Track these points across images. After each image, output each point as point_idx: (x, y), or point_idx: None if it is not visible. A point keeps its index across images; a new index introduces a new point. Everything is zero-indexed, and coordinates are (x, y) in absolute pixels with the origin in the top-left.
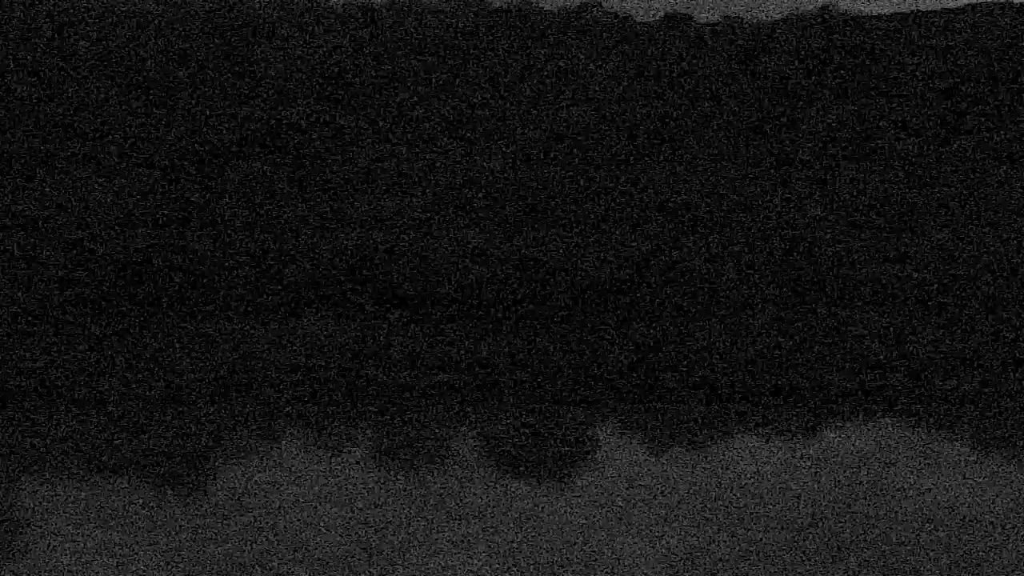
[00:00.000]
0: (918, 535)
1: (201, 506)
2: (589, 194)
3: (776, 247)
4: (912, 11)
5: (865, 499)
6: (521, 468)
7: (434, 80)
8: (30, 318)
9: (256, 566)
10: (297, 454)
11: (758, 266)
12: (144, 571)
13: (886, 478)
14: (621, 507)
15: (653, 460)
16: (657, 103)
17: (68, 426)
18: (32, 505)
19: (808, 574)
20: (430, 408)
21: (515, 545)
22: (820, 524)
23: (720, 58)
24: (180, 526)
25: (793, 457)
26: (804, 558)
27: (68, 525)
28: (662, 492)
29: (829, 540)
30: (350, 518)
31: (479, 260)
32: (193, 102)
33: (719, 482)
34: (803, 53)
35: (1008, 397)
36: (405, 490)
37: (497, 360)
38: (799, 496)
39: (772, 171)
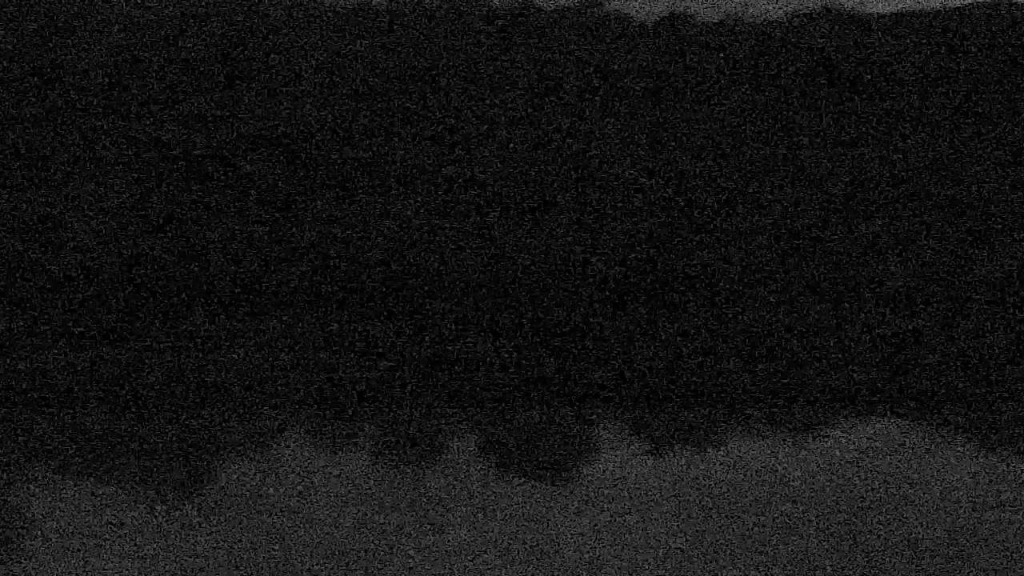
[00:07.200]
0: (918, 535)
1: (201, 506)
2: (589, 194)
3: (776, 247)
4: (912, 11)
5: (865, 499)
6: (521, 468)
7: (434, 80)
8: (30, 318)
9: (256, 566)
10: (297, 454)
11: (758, 266)
12: (144, 571)
13: (886, 478)
14: (621, 507)
15: (653, 460)
16: (657, 103)
17: (68, 426)
18: (32, 505)
19: (808, 574)
20: (430, 408)
21: (515, 545)
22: (820, 524)
23: (720, 58)
24: (180, 526)
25: (793, 457)
26: (804, 558)
27: (68, 525)
28: (662, 492)
29: (829, 540)
30: (350, 518)
31: (479, 260)
32: (193, 102)
33: (719, 482)
34: (803, 53)
35: (1008, 397)
36: (405, 490)
37: (497, 360)
38: (799, 496)
39: (772, 171)
